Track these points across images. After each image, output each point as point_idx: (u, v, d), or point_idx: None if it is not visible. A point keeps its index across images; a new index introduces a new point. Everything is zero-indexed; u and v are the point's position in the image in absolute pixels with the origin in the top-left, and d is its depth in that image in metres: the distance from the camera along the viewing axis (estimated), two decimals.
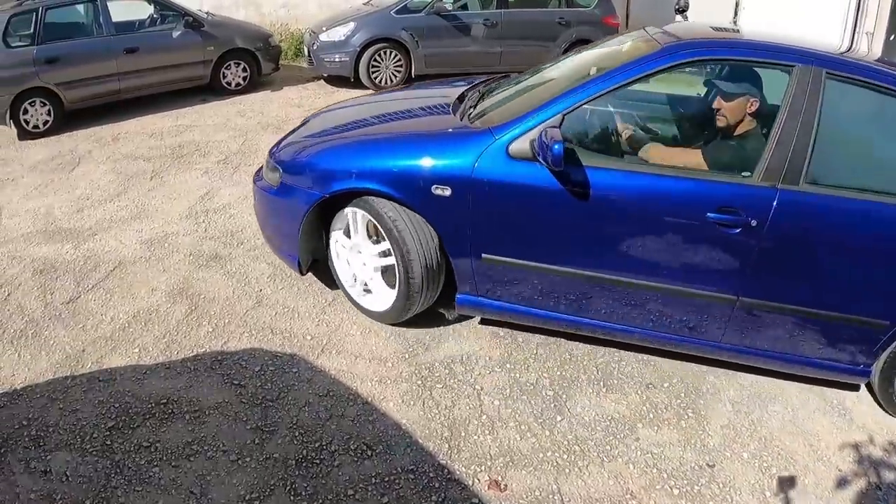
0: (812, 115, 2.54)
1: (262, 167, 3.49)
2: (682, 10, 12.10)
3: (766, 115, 2.80)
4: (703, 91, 3.38)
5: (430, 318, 3.24)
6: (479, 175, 2.74)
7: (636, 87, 2.89)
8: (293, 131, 3.63)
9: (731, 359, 2.91)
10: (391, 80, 8.23)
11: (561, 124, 2.63)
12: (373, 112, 3.67)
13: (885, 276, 2.56)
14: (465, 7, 8.47)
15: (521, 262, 2.87)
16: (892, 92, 2.59)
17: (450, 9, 8.20)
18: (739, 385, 2.93)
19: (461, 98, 3.46)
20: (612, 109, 3.37)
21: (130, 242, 4.01)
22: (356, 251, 3.17)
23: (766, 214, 2.51)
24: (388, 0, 8.64)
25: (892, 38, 5.23)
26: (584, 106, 2.74)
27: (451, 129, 3.00)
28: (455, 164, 2.77)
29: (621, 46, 3.42)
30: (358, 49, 7.92)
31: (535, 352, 3.08)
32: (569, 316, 2.95)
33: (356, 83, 8.11)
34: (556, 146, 2.44)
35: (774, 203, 2.51)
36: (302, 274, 3.30)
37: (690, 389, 2.88)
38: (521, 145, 2.70)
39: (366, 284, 3.24)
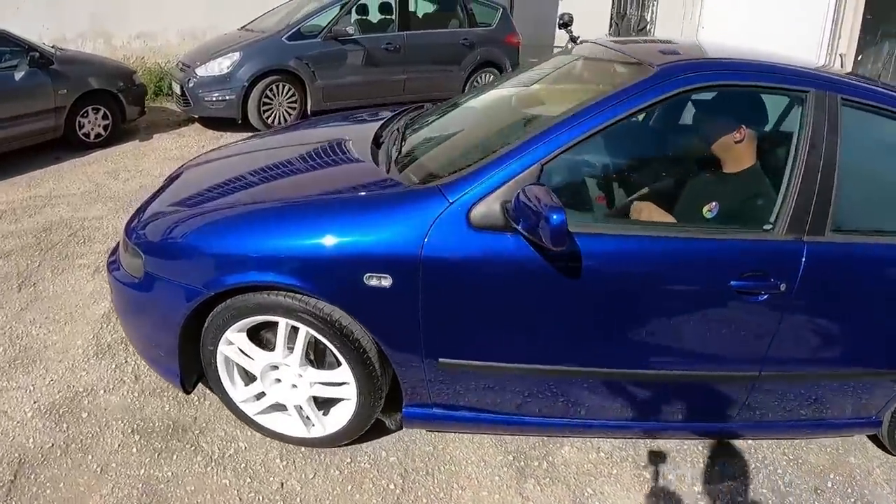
0: (833, 150, 2.08)
1: (116, 249, 2.54)
2: (566, 25, 11.60)
3: (770, 150, 2.33)
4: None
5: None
6: (430, 254, 1.93)
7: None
8: (155, 196, 2.63)
9: (744, 437, 2.53)
10: (285, 119, 6.96)
11: (539, 178, 1.93)
12: (264, 162, 2.68)
13: None
14: (364, 30, 7.40)
15: (496, 364, 2.13)
16: None
17: (351, 32, 7.08)
18: None
19: (377, 139, 2.68)
20: (585, 156, 2.56)
21: (23, 416, 2.49)
22: (276, 368, 2.26)
23: (795, 275, 2.04)
24: (269, 24, 7.37)
25: (860, 58, 5.15)
26: (563, 154, 1.98)
27: (384, 190, 2.13)
28: (396, 240, 1.95)
29: (575, 69, 2.84)
30: (246, 84, 6.56)
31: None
32: (557, 419, 2.29)
33: (244, 124, 6.74)
34: (556, 216, 1.69)
35: (803, 260, 2.03)
36: (187, 392, 2.38)
37: None
38: (488, 210, 1.93)
39: (281, 405, 2.33)
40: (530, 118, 2.51)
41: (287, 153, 2.80)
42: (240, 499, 2.14)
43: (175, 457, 2.30)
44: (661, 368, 2.19)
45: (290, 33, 6.86)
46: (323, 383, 2.23)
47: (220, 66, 6.56)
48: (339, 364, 2.14)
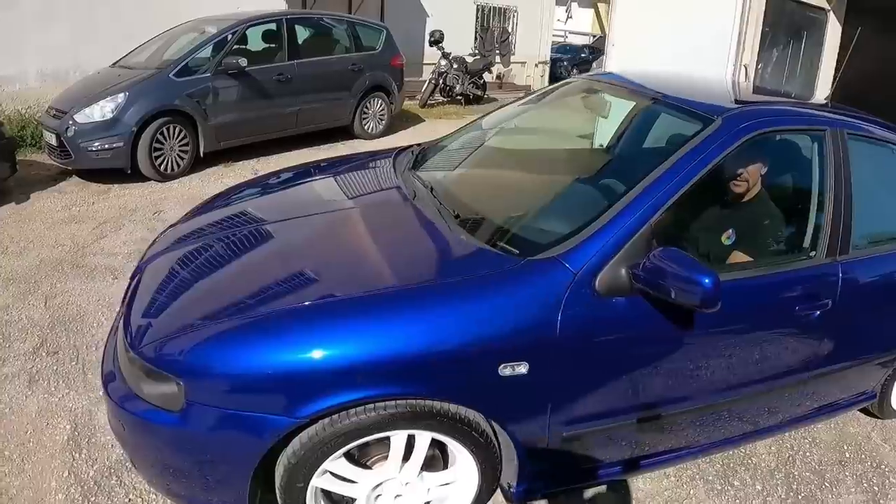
0: (850, 179, 2.49)
1: (108, 369, 2.10)
2: (437, 42, 11.99)
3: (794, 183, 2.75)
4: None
5: None
6: (566, 332, 1.90)
7: None
8: (164, 290, 2.19)
9: (784, 432, 2.89)
10: (177, 165, 6.42)
11: (652, 237, 2.02)
12: (296, 235, 2.46)
13: None
14: (253, 61, 7.00)
15: (621, 422, 2.19)
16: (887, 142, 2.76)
17: (243, 65, 6.69)
18: None
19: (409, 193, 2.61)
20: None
21: None
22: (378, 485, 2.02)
23: (836, 291, 2.42)
24: (142, 59, 6.78)
25: (759, 67, 5.72)
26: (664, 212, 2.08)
27: (500, 266, 1.99)
28: (528, 322, 1.88)
29: (603, 112, 3.29)
30: (134, 129, 5.98)
31: None
32: (666, 455, 2.43)
33: (134, 174, 6.15)
34: (708, 280, 1.78)
35: (840, 277, 2.43)
36: None
37: None
38: (613, 276, 1.95)
39: None
40: (604, 170, 2.92)
41: (320, 222, 2.56)
42: None
43: None
44: (753, 388, 2.44)
45: (177, 69, 6.34)
46: (441, 484, 2.08)
47: (102, 109, 5.91)
48: (444, 463, 2.04)
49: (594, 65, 22.95)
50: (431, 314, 1.84)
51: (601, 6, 32.51)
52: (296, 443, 1.81)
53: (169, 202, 5.76)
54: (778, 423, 2.69)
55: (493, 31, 13.44)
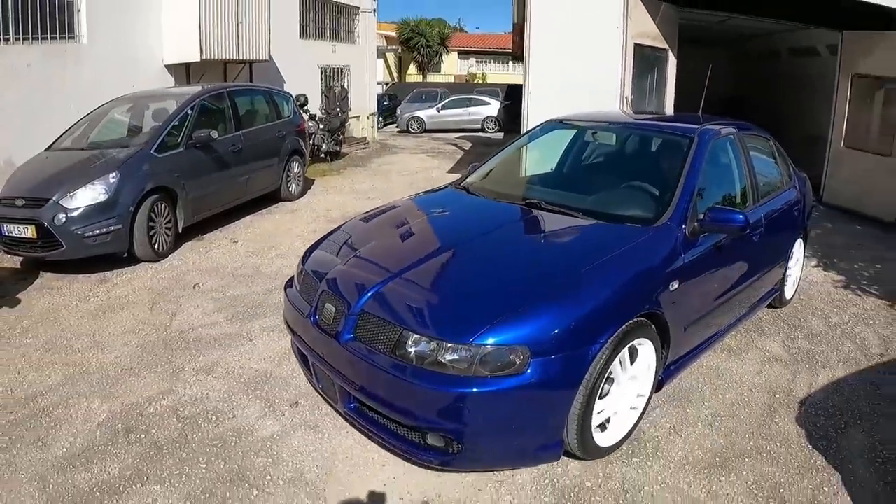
0: (751, 160, 4.30)
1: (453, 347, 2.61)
2: (303, 105, 13.18)
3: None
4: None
5: None
6: (685, 259, 3.29)
7: None
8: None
9: (753, 314, 4.52)
10: (165, 244, 6.27)
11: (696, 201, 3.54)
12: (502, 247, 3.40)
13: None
14: (214, 135, 7.05)
15: (705, 315, 3.59)
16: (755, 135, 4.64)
17: (215, 136, 6.75)
18: None
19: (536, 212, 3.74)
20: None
21: None
22: (625, 387, 3.05)
23: (762, 221, 4.12)
24: (81, 141, 6.52)
25: (632, 98, 7.51)
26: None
27: (644, 234, 3.32)
28: (671, 257, 3.25)
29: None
30: (132, 208, 5.79)
31: None
32: (712, 339, 3.87)
33: (114, 261, 5.88)
34: (741, 215, 3.38)
35: (762, 214, 4.15)
36: (558, 459, 2.85)
37: None
38: (693, 227, 3.37)
39: (607, 420, 3.02)
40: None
41: (497, 239, 3.46)
42: None
43: None
44: (745, 283, 3.97)
45: (157, 144, 6.23)
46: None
47: (93, 192, 5.61)
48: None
49: (398, 111, 24.69)
50: (633, 266, 3.06)
51: (389, 55, 34.92)
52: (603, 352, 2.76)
53: (191, 275, 5.68)
54: (750, 309, 4.28)
55: (335, 90, 14.16)
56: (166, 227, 6.24)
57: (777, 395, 3.71)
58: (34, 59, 7.51)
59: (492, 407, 2.55)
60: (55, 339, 4.44)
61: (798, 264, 5.17)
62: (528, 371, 2.52)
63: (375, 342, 2.77)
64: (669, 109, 8.74)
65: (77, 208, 5.53)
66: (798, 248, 5.06)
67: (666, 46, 8.58)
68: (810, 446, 3.20)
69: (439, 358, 2.57)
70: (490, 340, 2.53)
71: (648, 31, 8.06)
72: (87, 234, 5.53)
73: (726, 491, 2.85)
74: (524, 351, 2.52)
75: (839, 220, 8.40)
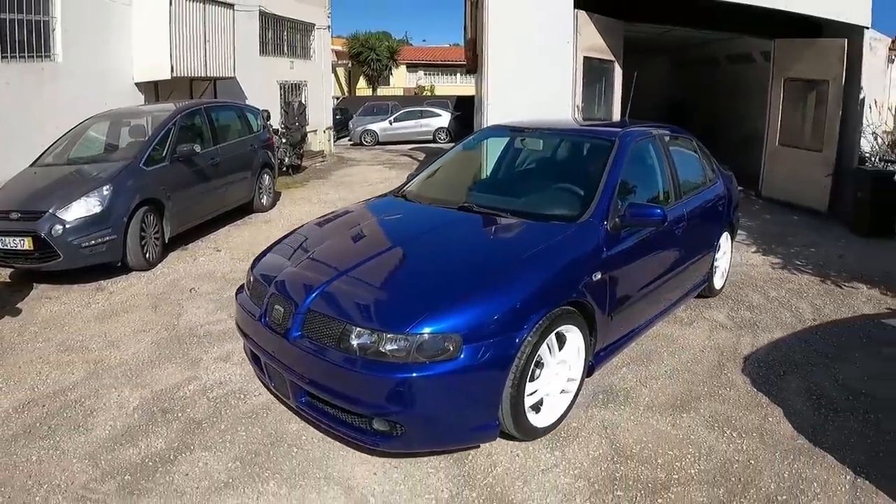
0: (672, 160, 4.64)
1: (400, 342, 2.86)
2: (267, 119, 13.62)
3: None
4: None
5: None
6: (607, 252, 3.61)
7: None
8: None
9: (683, 304, 4.92)
10: (154, 253, 6.58)
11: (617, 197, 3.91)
12: (440, 245, 3.73)
13: None
14: (197, 149, 7.40)
15: (629, 303, 3.87)
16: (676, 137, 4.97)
17: (198, 150, 7.10)
18: None
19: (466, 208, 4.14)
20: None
21: None
22: (554, 370, 3.32)
23: (685, 216, 4.49)
24: (62, 156, 6.79)
25: (582, 106, 8.19)
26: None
27: (569, 229, 3.62)
28: (595, 251, 3.57)
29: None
30: (126, 219, 6.10)
31: None
32: (638, 328, 4.18)
33: (106, 271, 6.16)
34: (659, 210, 3.70)
35: (685, 209, 4.54)
36: (494, 438, 3.12)
37: None
38: (614, 223, 3.66)
39: (540, 402, 3.28)
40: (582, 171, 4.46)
41: (439, 237, 3.79)
42: None
43: None
44: (670, 274, 4.31)
45: (144, 158, 6.55)
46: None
47: (87, 204, 5.89)
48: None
49: (350, 124, 25.10)
50: (557, 259, 3.35)
51: (339, 70, 35.21)
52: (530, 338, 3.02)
53: (185, 281, 6.02)
54: (678, 298, 4.63)
55: (293, 105, 14.52)
56: (155, 238, 6.55)
57: (725, 354, 4.34)
58: (12, 77, 7.72)
59: (430, 390, 2.80)
60: (68, 342, 4.74)
61: (726, 256, 5.55)
62: (462, 356, 2.79)
63: (321, 337, 3.00)
64: (617, 115, 9.50)
65: (73, 220, 5.81)
66: (725, 240, 5.43)
67: (612, 58, 9.31)
68: (755, 390, 3.83)
69: (380, 348, 2.82)
70: (426, 330, 2.80)
71: (596, 45, 8.78)
72: (83, 245, 5.81)
73: (687, 424, 3.44)
74: (457, 338, 2.80)
75: (777, 212, 9.28)
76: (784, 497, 2.86)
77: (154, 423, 3.57)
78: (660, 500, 2.84)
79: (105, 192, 6.00)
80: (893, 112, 9.45)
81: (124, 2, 9.45)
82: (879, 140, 9.00)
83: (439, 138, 23.91)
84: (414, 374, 2.78)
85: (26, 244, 5.77)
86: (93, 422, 3.60)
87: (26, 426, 3.56)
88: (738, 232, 7.69)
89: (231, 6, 11.28)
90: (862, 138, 9.08)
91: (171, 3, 9.46)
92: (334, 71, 27.90)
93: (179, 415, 3.64)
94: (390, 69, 38.91)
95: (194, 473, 3.08)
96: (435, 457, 3.14)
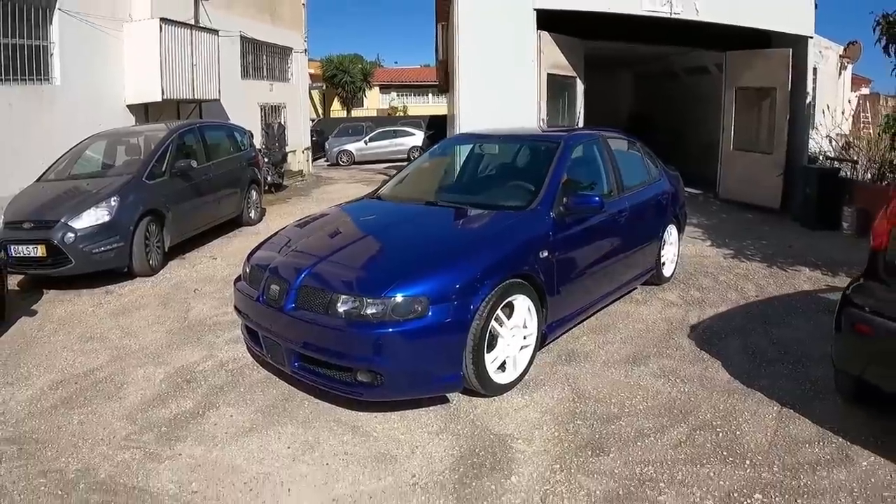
0: (615, 158, 5.28)
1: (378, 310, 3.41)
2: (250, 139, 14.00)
3: None
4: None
5: None
6: (554, 236, 4.19)
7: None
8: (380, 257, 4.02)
9: (629, 289, 5.51)
10: (157, 260, 7.08)
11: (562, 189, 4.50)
12: (412, 231, 4.39)
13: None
14: (193, 164, 7.96)
15: (573, 283, 4.41)
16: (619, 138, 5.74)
17: (194, 165, 7.66)
18: None
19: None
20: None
21: None
22: (510, 333, 3.81)
23: (627, 208, 5.10)
24: (65, 172, 7.32)
25: (547, 118, 8.99)
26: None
27: (520, 215, 4.26)
28: (543, 234, 4.17)
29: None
30: (132, 228, 6.62)
31: None
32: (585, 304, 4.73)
33: (111, 277, 6.62)
34: (598, 198, 4.36)
35: (627, 202, 5.15)
36: (461, 389, 3.67)
37: None
38: (559, 210, 4.26)
39: (503, 364, 3.82)
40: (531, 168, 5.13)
41: (412, 225, 4.45)
42: None
43: None
44: (614, 258, 4.88)
45: (147, 172, 7.09)
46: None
47: (96, 214, 6.40)
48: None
49: (326, 145, 25.67)
50: (509, 239, 3.96)
51: (314, 92, 35.78)
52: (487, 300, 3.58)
53: (188, 283, 6.54)
54: (626, 281, 5.20)
55: (273, 126, 15.10)
56: (157, 245, 7.06)
57: (674, 324, 5.02)
58: (15, 98, 8.23)
59: (404, 343, 3.37)
60: (87, 334, 5.23)
61: (673, 247, 6.17)
62: (429, 314, 3.38)
63: (313, 306, 3.57)
64: (581, 124, 10.26)
65: (84, 228, 6.30)
66: (671, 233, 6.04)
67: (574, 74, 10.11)
68: (699, 349, 4.50)
69: (362, 311, 3.40)
70: (398, 294, 3.39)
71: (559, 62, 9.56)
72: (94, 251, 6.31)
73: (638, 374, 4.10)
74: (424, 300, 3.39)
75: (733, 211, 10.09)
76: (718, 422, 3.49)
77: (180, 389, 4.10)
78: (612, 427, 3.46)
79: (113, 203, 6.52)
80: (846, 115, 10.33)
81: (117, 28, 10.01)
82: (833, 143, 9.84)
83: (413, 157, 24.58)
84: (390, 330, 3.36)
85: (39, 251, 6.25)
86: (124, 392, 4.12)
87: (63, 399, 4.05)
88: (695, 229, 8.50)
89: (216, 32, 11.89)
90: (811, 140, 9.94)
91: (160, 30, 10.04)
92: (310, 93, 28.49)
93: (202, 383, 4.18)
94: (364, 91, 39.66)
95: (222, 423, 3.64)
96: (425, 404, 3.73)
